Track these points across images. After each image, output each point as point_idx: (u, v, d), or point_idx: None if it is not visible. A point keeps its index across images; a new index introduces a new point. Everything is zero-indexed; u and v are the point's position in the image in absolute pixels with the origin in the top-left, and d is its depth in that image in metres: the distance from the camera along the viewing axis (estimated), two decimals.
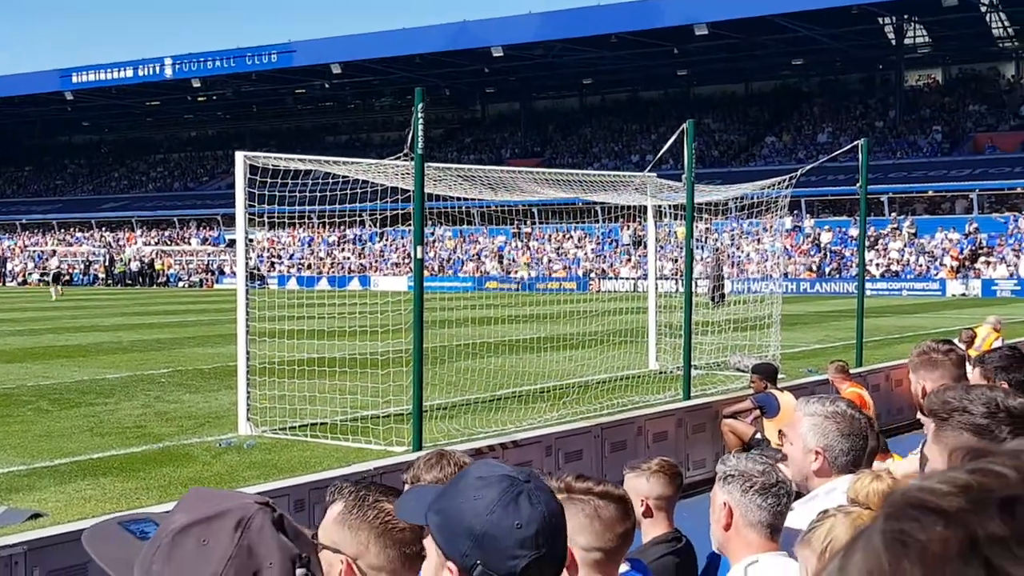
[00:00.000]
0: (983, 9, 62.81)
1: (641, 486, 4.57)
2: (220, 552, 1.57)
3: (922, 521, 0.75)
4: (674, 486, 4.68)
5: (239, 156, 13.39)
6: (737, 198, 20.95)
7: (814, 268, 55.93)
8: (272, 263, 70.29)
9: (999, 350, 5.16)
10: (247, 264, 13.71)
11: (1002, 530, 0.72)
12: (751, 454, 3.87)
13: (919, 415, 7.92)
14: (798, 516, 3.61)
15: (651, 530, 4.61)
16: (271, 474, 10.75)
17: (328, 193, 15.36)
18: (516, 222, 57.80)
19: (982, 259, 52.94)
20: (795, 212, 56.78)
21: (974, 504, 0.74)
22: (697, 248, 30.81)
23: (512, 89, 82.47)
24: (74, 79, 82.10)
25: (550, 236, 65.67)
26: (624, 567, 3.45)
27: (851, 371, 15.90)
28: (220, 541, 1.57)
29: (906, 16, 64.83)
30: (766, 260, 34.43)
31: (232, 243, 61.53)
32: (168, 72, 78.85)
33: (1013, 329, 24.96)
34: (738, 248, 37.86)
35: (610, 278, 56.70)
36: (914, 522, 0.75)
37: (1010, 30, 66.97)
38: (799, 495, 3.88)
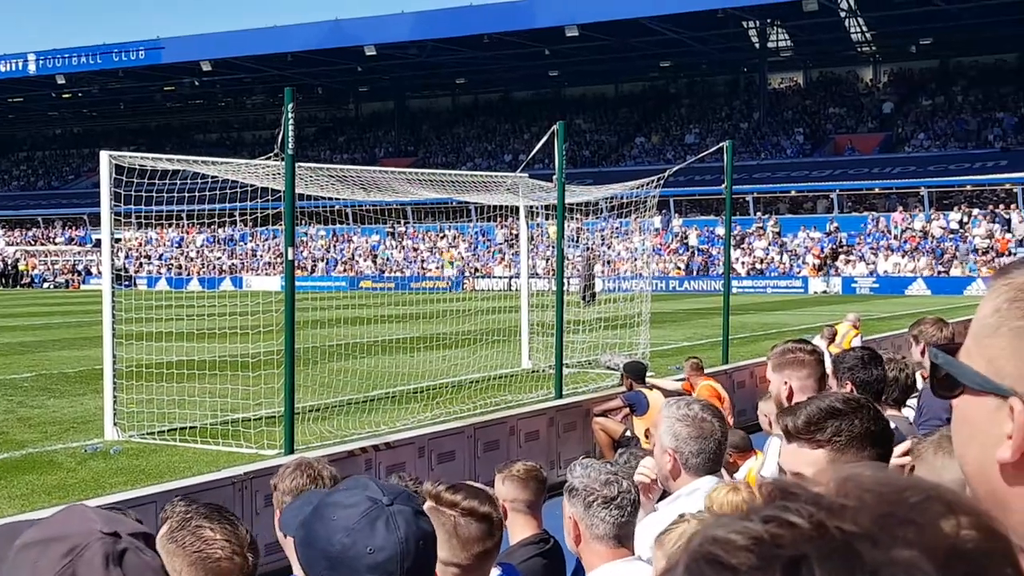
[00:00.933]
0: (842, 14, 64.84)
1: (499, 489, 4.63)
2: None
3: None
4: (529, 490, 4.69)
5: (104, 156, 13.11)
6: (608, 198, 21.27)
7: (682, 266, 57.05)
8: (141, 263, 68.72)
9: (853, 352, 5.42)
10: (113, 265, 13.44)
11: None
12: (596, 462, 3.94)
13: (763, 418, 8.12)
14: (661, 516, 3.70)
15: (517, 532, 4.66)
16: (138, 480, 10.57)
17: (198, 193, 15.15)
18: (390, 221, 57.63)
19: (842, 257, 54.68)
20: (664, 212, 57.85)
21: (762, 562, 0.75)
22: (569, 247, 31.14)
23: (385, 88, 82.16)
24: None
25: (424, 235, 65.65)
26: (495, 571, 3.52)
27: (721, 368, 16.38)
28: (48, 565, 1.58)
29: (769, 20, 66.55)
30: (636, 259, 34.97)
31: (100, 243, 60.01)
32: (32, 68, 76.49)
33: (872, 325, 25.86)
34: (609, 247, 38.38)
35: (484, 277, 56.94)
36: None
37: (867, 35, 69.29)
38: (665, 494, 4.00)
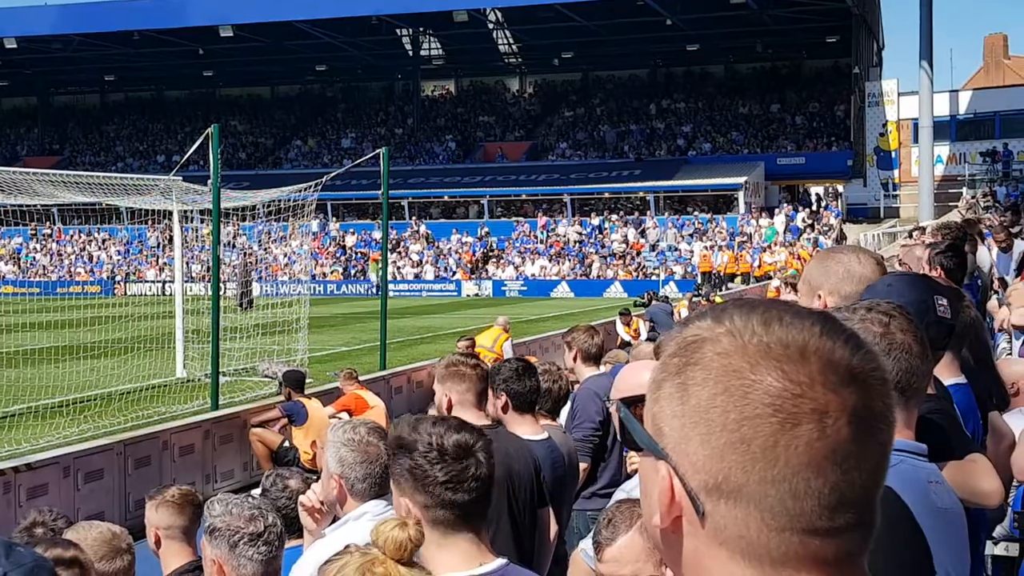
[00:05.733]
0: (490, 26, 67.33)
1: (151, 516, 4.51)
2: None
3: None
4: (185, 515, 4.51)
5: None
6: (266, 202, 21.25)
7: (340, 270, 57.35)
8: None
9: (508, 363, 5.65)
10: None
11: None
12: (235, 498, 3.86)
13: None
14: (329, 542, 3.58)
15: (171, 560, 4.49)
16: None
17: None
18: (34, 223, 54.49)
19: (493, 261, 56.76)
20: (321, 215, 57.88)
21: None
22: (226, 251, 30.69)
23: (28, 83, 77.37)
24: None
25: (72, 238, 62.50)
26: None
27: (379, 373, 16.79)
28: None
29: (421, 29, 68.07)
30: (294, 263, 34.94)
31: None
32: None
33: (521, 328, 27.12)
34: (266, 251, 38.10)
35: (137, 281, 54.91)
36: None
37: (514, 47, 72.34)
38: (336, 519, 3.90)
